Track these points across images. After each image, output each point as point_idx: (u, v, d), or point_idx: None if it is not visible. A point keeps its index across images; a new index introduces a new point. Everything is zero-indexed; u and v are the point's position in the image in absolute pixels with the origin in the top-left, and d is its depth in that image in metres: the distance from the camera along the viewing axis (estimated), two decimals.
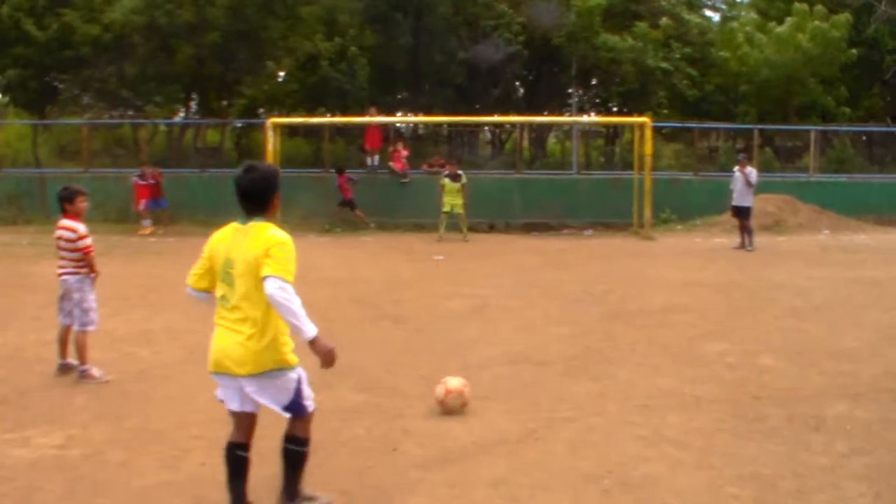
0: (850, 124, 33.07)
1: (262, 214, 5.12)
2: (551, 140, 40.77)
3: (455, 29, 32.70)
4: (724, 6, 39.93)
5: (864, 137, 35.53)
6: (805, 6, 31.09)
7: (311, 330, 4.88)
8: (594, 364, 9.33)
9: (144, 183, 24.65)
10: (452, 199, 22.96)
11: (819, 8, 30.95)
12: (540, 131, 37.47)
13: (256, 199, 5.12)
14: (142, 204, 24.74)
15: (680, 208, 26.54)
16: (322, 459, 6.28)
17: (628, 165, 28.60)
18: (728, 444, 6.69)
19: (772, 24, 32.44)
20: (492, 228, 26.11)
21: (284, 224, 20.57)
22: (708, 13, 38.84)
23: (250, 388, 5.06)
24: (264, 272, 4.87)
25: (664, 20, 32.73)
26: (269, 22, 29.82)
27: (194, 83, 32.22)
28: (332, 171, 26.29)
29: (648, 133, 24.02)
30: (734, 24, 34.53)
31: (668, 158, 33.72)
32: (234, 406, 5.19)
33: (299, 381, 5.19)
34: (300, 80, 32.20)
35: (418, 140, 35.83)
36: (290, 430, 5.28)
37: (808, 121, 32.67)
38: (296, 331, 4.88)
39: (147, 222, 24.34)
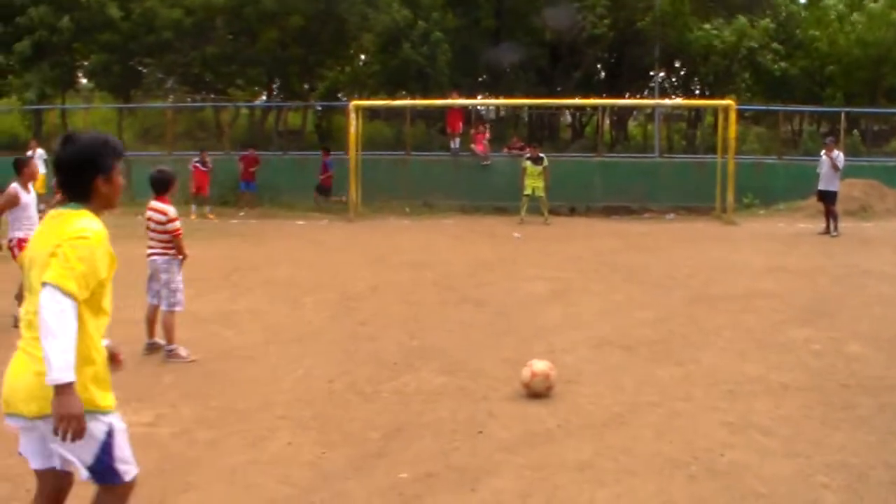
0: None
1: (83, 201, 3.83)
2: (632, 123, 40.41)
3: (538, 10, 32.50)
4: None
5: None
6: None
7: (61, 373, 3.40)
8: (678, 348, 9.22)
9: (205, 169, 24.40)
10: (534, 182, 22.93)
11: None
12: (621, 114, 37.18)
13: (71, 179, 3.83)
14: (207, 190, 24.61)
15: (763, 193, 26.05)
16: (406, 441, 6.33)
17: (710, 149, 28.21)
18: (816, 433, 6.55)
19: (866, 0, 31.69)
20: (573, 212, 25.95)
21: (366, 207, 20.90)
22: None
23: (49, 436, 3.62)
24: (43, 277, 3.54)
25: (764, 22, 32.13)
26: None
27: (276, 66, 32.51)
28: (321, 150, 26.18)
29: (733, 116, 23.69)
30: (828, 1, 33.63)
31: (752, 142, 33.14)
32: (36, 462, 3.82)
33: (111, 434, 3.74)
34: (382, 62, 32.34)
35: (499, 123, 35.78)
36: None
37: None
38: (45, 362, 3.42)
39: (195, 207, 23.77)
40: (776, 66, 32.20)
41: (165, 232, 8.73)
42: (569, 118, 39.56)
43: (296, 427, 6.60)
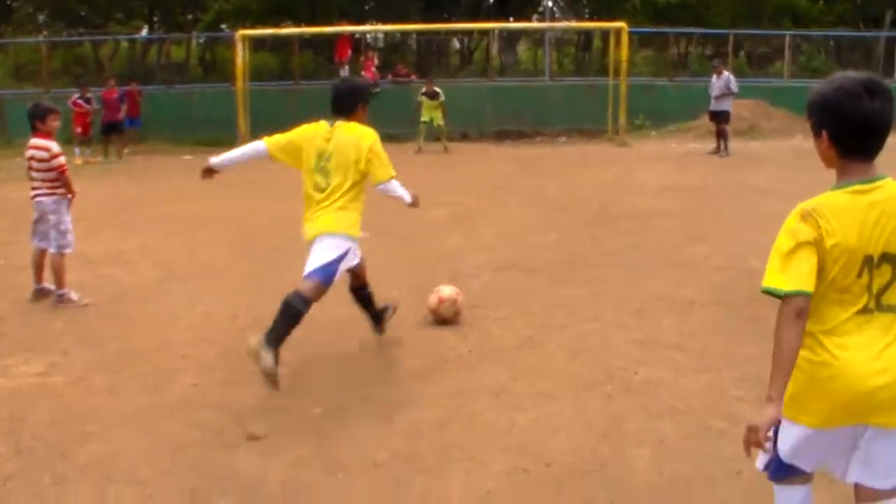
0: (821, 29, 32.91)
1: None
2: (520, 49, 40.32)
3: None
4: None
5: (831, 42, 35.42)
6: None
7: None
8: (582, 269, 9.19)
9: (88, 107, 22.56)
10: (431, 112, 22.75)
11: None
12: (510, 39, 37.04)
13: None
14: (90, 130, 22.81)
15: (654, 114, 26.37)
16: (317, 374, 6.15)
17: (600, 72, 28.33)
18: (726, 346, 6.57)
19: None
20: (465, 137, 25.81)
21: (254, 138, 20.34)
22: None
23: None
24: None
25: None
26: None
27: None
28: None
29: (625, 38, 23.79)
30: None
31: (640, 65, 33.43)
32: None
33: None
34: None
35: (388, 51, 35.33)
36: None
37: (782, 25, 32.48)
38: None
39: (78, 150, 21.83)
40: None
41: (50, 169, 8.22)
42: (457, 45, 39.28)
43: (199, 367, 6.34)
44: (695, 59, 33.46)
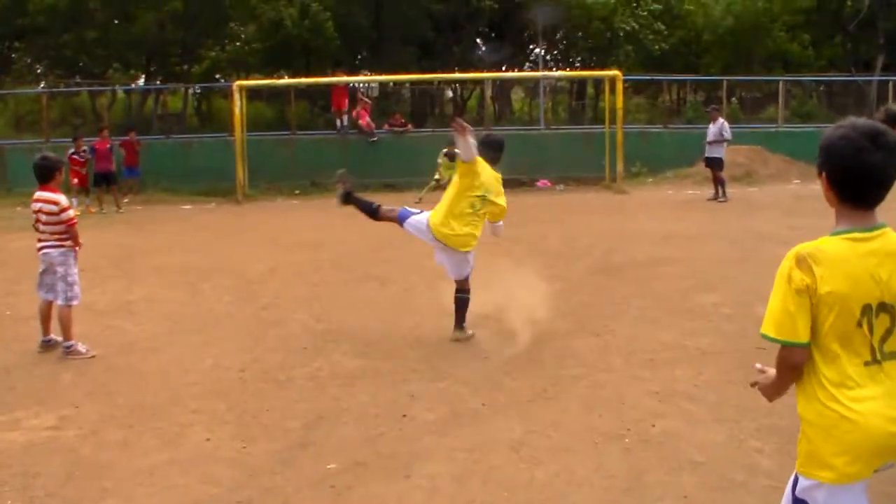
0: (812, 74, 33.25)
1: None
2: (513, 98, 40.52)
3: None
4: None
5: (821, 87, 35.79)
6: None
7: None
8: (591, 319, 9.14)
9: (81, 159, 22.16)
10: (448, 172, 22.84)
11: None
12: (503, 88, 37.22)
13: None
14: (87, 181, 22.55)
15: (650, 161, 26.43)
16: (329, 430, 6.08)
17: (594, 120, 28.49)
18: (741, 397, 6.50)
19: None
20: None
21: (253, 188, 20.38)
22: None
23: None
24: None
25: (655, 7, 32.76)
26: None
27: (155, 48, 31.50)
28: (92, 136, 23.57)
29: (620, 86, 23.96)
30: None
31: (634, 112, 33.66)
32: None
33: None
34: (263, 40, 31.68)
35: (382, 99, 35.53)
36: None
37: (773, 71, 32.81)
38: None
39: (76, 201, 20.59)
40: (657, 47, 32.82)
41: (59, 223, 8.22)
42: (449, 93, 39.46)
43: (212, 421, 6.27)
44: (690, 107, 33.69)
